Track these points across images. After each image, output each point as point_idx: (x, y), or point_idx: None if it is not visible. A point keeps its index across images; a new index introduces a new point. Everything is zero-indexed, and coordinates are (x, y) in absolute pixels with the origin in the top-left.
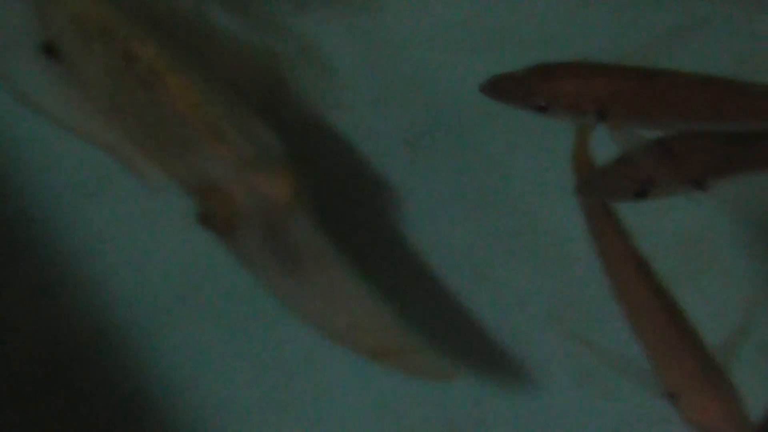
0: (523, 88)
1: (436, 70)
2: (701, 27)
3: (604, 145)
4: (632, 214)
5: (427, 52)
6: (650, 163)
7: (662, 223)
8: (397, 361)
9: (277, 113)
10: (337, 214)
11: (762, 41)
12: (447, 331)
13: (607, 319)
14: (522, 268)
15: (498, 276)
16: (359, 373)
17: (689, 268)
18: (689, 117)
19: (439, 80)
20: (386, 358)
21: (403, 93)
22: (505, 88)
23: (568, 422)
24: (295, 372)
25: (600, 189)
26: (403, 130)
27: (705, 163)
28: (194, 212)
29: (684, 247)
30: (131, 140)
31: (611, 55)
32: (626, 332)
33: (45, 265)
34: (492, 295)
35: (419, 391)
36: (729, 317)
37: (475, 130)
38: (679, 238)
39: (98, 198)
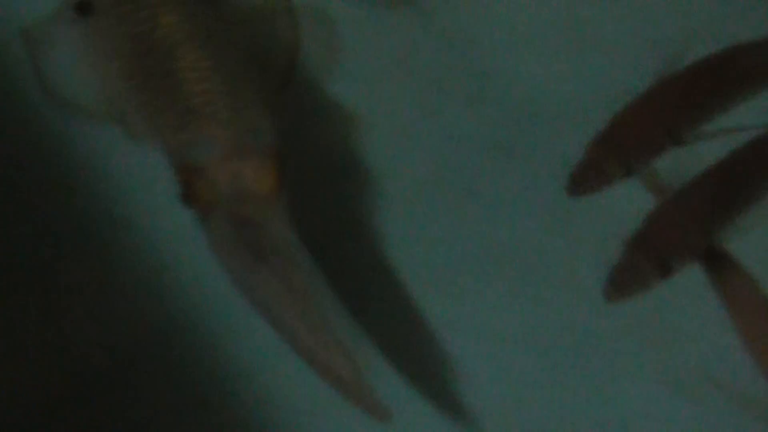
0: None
1: (524, 72)
2: None
3: None
4: None
5: (515, 54)
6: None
7: None
8: (336, 384)
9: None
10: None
11: None
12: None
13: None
14: None
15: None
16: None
17: None
18: None
19: (528, 82)
20: (327, 378)
21: (492, 95)
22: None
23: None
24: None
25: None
26: (492, 133)
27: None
28: (177, 189)
29: None
30: (135, 104)
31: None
32: None
33: (107, 261)
34: (580, 300)
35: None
36: None
37: (565, 133)
38: None
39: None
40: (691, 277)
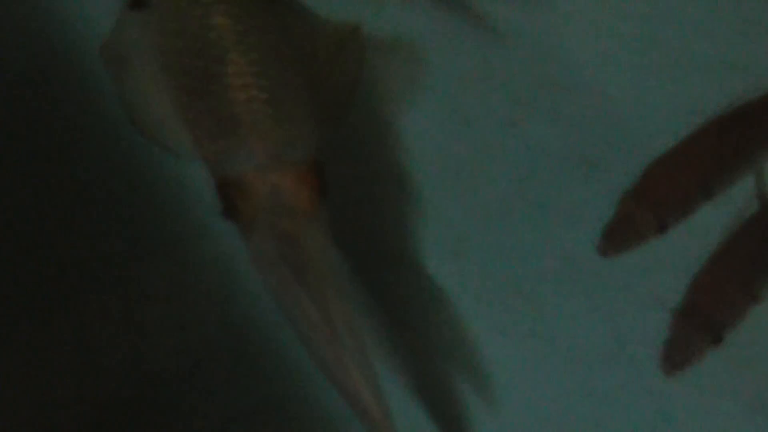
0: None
1: (604, 87)
2: None
3: None
4: None
5: (597, 69)
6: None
7: None
8: (362, 419)
9: (347, 104)
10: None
11: None
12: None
13: None
14: None
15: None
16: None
17: None
18: None
19: (608, 97)
20: (354, 410)
21: (572, 109)
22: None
23: None
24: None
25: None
26: (571, 147)
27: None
28: (218, 202)
29: None
30: (179, 107)
31: None
32: None
33: (184, 267)
34: (660, 313)
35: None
36: None
37: (644, 148)
38: None
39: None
40: None
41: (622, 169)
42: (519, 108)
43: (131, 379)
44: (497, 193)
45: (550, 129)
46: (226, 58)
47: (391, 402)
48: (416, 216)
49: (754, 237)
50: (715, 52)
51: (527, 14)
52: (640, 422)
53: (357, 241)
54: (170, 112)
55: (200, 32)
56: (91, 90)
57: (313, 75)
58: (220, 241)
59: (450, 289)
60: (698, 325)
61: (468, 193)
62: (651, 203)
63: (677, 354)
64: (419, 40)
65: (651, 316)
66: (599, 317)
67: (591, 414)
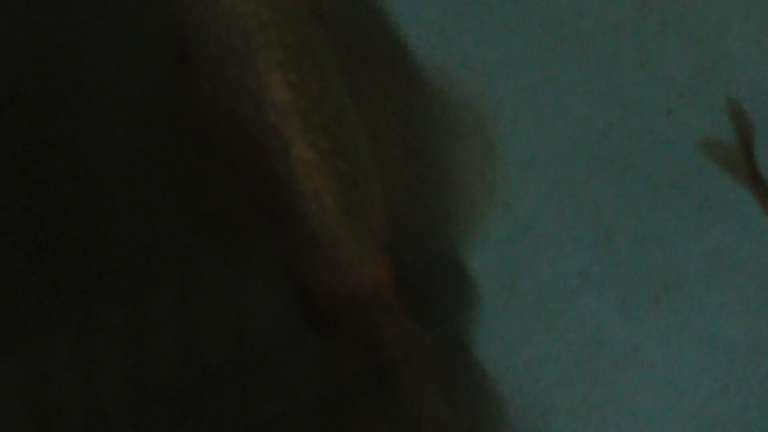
0: None
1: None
2: None
3: None
4: None
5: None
6: None
7: None
8: None
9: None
10: None
11: None
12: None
13: None
14: None
15: None
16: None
17: None
18: None
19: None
20: None
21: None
22: None
23: None
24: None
25: None
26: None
27: None
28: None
29: None
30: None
31: None
32: None
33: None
34: None
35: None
36: None
37: None
38: None
39: None
40: None
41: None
42: (678, 98)
43: (185, 367)
44: (650, 181)
45: (707, 117)
46: (288, 150)
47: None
48: (565, 201)
49: None
50: None
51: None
52: None
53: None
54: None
55: (257, 111)
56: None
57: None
58: None
59: (593, 278)
60: None
61: (618, 181)
62: None
63: None
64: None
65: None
66: (747, 313)
67: (742, 408)
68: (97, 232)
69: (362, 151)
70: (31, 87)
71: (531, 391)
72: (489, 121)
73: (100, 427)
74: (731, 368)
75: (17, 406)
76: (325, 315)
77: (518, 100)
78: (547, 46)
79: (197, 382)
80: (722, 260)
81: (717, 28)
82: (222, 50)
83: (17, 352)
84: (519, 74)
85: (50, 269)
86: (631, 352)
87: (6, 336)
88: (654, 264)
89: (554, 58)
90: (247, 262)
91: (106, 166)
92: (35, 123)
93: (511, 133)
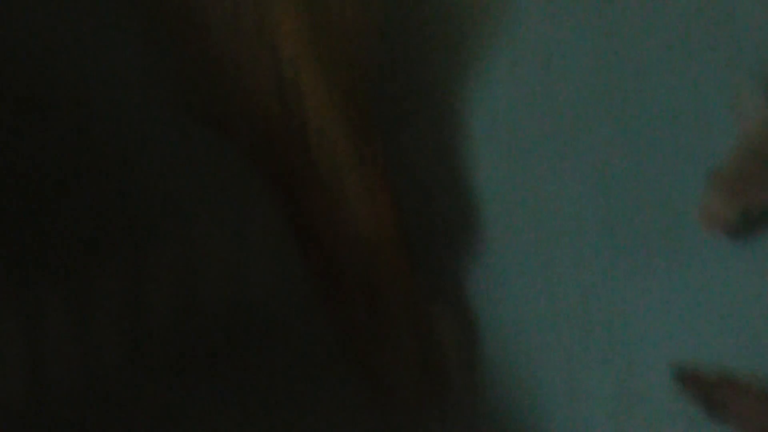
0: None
1: None
2: None
3: None
4: None
5: None
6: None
7: None
8: None
9: None
10: None
11: None
12: None
13: None
14: None
15: None
16: None
17: None
18: None
19: None
20: None
21: None
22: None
23: None
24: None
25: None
26: None
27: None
28: None
29: None
30: None
31: None
32: None
33: (240, 222)
34: None
35: None
36: None
37: None
38: None
39: None
40: None
41: None
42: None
43: (184, 332)
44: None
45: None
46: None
47: None
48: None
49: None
50: None
51: None
52: None
53: None
54: None
55: None
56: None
57: None
58: None
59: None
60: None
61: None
62: None
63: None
64: None
65: None
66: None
67: (734, 357)
68: (100, 180)
69: None
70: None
71: (526, 329)
72: None
73: (98, 375)
74: (725, 319)
75: (16, 354)
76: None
77: None
78: None
79: (196, 331)
80: None
81: None
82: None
83: (17, 301)
84: None
85: (50, 218)
86: (627, 295)
87: (5, 285)
88: (652, 211)
89: None
90: (247, 212)
91: (109, 112)
92: (37, 67)
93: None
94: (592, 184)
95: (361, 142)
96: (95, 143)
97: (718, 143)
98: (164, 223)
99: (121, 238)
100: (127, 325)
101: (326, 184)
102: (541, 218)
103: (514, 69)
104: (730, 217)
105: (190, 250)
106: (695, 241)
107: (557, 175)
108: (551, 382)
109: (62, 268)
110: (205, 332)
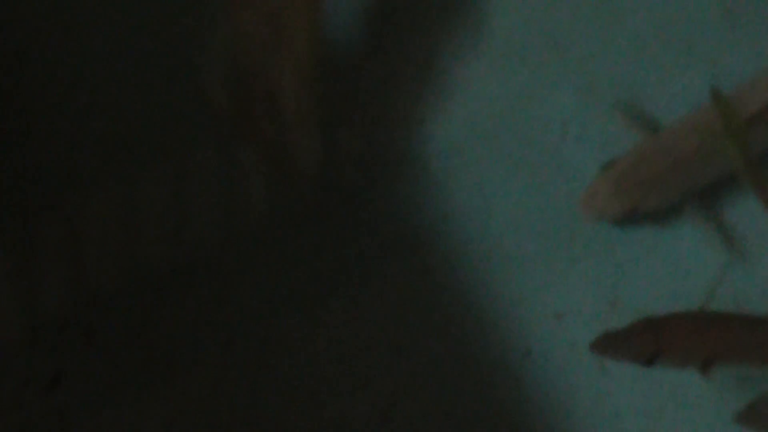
0: (629, 346)
1: None
2: None
3: None
4: None
5: None
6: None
7: None
8: None
9: None
10: None
11: None
12: None
13: None
14: None
15: None
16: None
17: None
18: None
19: None
20: None
21: None
22: (612, 347)
23: None
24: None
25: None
26: None
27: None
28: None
29: None
30: None
31: None
32: None
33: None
34: None
35: None
36: None
37: None
38: None
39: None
40: None
41: None
42: None
43: (175, 251)
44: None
45: None
46: None
47: None
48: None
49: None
50: None
51: None
52: None
53: None
54: None
55: None
56: None
57: None
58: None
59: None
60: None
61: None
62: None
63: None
64: None
65: None
66: None
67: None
68: (94, 111)
69: None
70: None
71: (512, 241)
72: None
73: (89, 306)
74: None
75: (7, 286)
76: None
77: None
78: None
79: (186, 266)
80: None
81: None
82: None
83: (10, 231)
84: None
85: (43, 149)
86: None
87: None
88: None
89: None
90: (237, 151)
91: (100, 40)
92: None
93: None
94: None
95: None
96: (87, 69)
97: None
98: (158, 158)
99: (114, 170)
100: (120, 259)
101: None
102: None
103: None
104: (609, 211)
105: (183, 186)
106: None
107: None
108: None
109: (59, 197)
110: (195, 267)
